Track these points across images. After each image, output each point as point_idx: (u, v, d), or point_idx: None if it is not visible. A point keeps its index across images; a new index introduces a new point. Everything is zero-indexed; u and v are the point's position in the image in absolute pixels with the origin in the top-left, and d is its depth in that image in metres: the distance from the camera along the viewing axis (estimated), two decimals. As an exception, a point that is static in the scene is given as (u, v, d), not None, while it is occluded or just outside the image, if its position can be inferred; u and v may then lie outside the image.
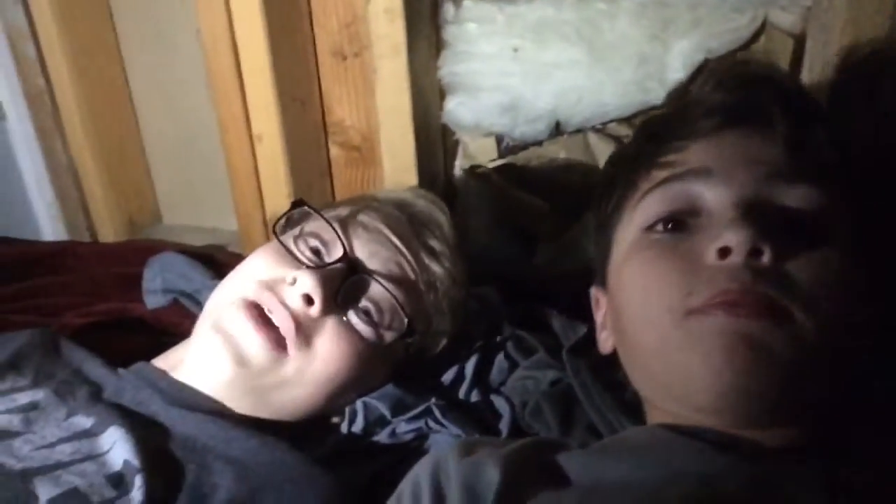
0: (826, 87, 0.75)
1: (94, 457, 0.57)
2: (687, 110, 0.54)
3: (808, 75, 0.82)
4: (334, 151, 1.04)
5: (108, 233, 1.16)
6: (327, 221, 0.68)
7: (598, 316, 0.60)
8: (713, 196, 0.49)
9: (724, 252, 0.45)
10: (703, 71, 0.86)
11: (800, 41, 0.83)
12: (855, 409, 0.50)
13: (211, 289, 0.74)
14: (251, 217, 1.03)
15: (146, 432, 0.59)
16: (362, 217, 0.70)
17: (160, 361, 0.70)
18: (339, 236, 0.67)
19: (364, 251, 0.68)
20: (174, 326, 0.89)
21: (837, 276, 0.46)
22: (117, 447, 0.57)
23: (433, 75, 0.93)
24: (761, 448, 0.46)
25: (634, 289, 0.50)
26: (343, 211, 0.72)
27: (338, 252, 0.67)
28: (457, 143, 0.98)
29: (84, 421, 0.60)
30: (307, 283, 0.62)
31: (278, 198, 1.00)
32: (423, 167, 0.93)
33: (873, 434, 0.48)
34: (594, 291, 0.61)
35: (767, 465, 0.44)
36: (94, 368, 0.68)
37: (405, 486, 0.51)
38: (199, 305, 0.83)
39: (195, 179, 1.17)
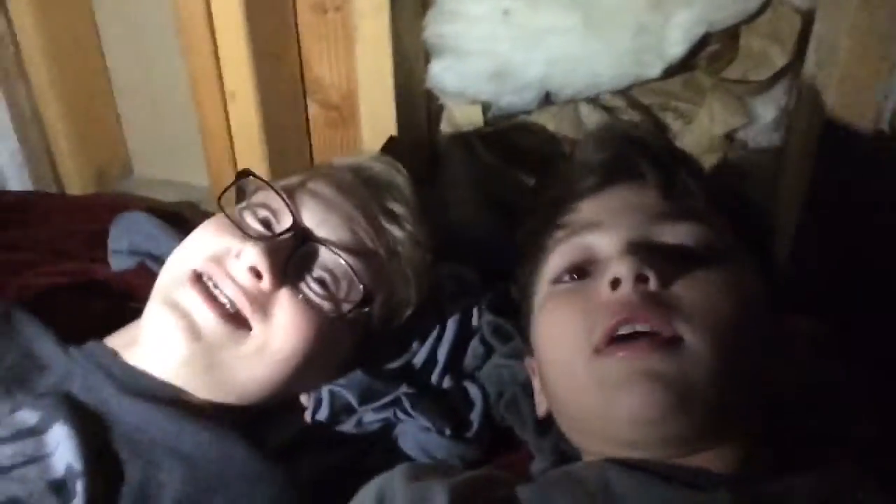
0: (831, 70, 0.71)
1: (38, 459, 0.53)
2: (572, 173, 0.61)
3: (813, 56, 0.77)
4: (313, 110, 0.99)
5: (76, 184, 1.11)
6: (275, 190, 0.64)
7: (535, 383, 0.63)
8: (603, 243, 0.55)
9: (615, 283, 0.50)
10: (704, 46, 0.82)
11: (808, 18, 0.78)
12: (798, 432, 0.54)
13: (177, 250, 0.70)
14: (223, 176, 0.98)
15: (92, 428, 0.56)
16: (312, 184, 0.67)
17: (114, 340, 0.66)
18: (287, 205, 0.63)
19: (314, 219, 0.64)
20: (140, 290, 0.85)
21: (721, 295, 0.50)
22: (61, 448, 0.53)
23: (418, 36, 0.88)
24: (709, 474, 0.48)
25: (546, 338, 0.56)
26: (294, 180, 0.68)
27: (287, 222, 0.63)
28: (441, 108, 0.93)
29: (29, 417, 0.57)
30: (252, 255, 0.59)
31: (252, 157, 0.95)
32: (404, 133, 0.89)
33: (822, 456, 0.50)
34: (528, 361, 0.64)
35: (716, 492, 0.46)
36: (46, 347, 0.64)
37: None
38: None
39: (168, 132, 1.12)
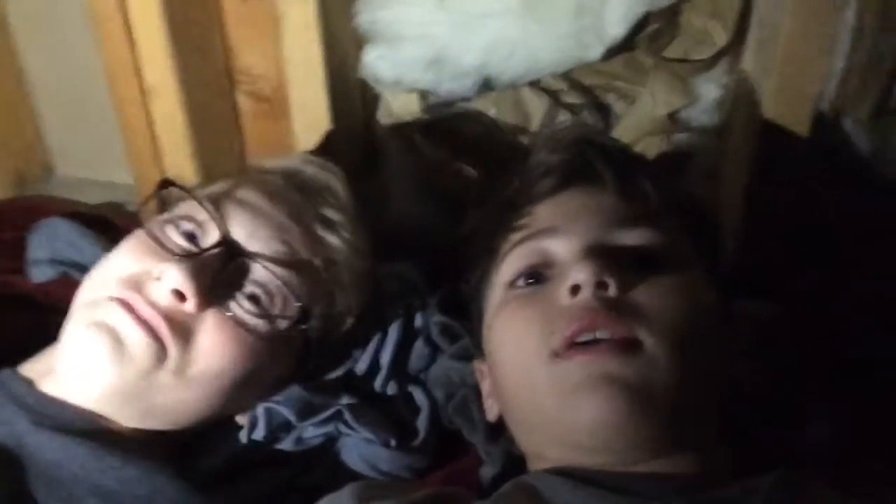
0: (772, 48, 0.69)
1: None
2: (528, 175, 0.60)
3: (755, 34, 0.76)
4: (242, 102, 0.94)
5: (-8, 188, 1.04)
6: (199, 201, 0.59)
7: (484, 387, 0.62)
8: (561, 248, 0.54)
9: (575, 289, 0.50)
10: (645, 25, 0.80)
11: (748, -6, 0.76)
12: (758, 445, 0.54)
13: (101, 259, 0.66)
14: (147, 176, 0.93)
15: (4, 467, 0.52)
16: (241, 193, 0.62)
17: (30, 367, 0.61)
18: (212, 216, 0.59)
19: (243, 231, 0.60)
20: (64, 302, 0.80)
21: (679, 300, 0.50)
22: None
23: (349, 22, 0.83)
24: (664, 482, 0.48)
25: (503, 342, 0.54)
26: (220, 187, 0.63)
27: (214, 235, 0.59)
28: (377, 97, 0.89)
29: None
30: (174, 276, 0.55)
31: (179, 154, 0.90)
32: (337, 125, 0.85)
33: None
34: (477, 365, 0.63)
35: (671, 502, 0.46)
36: None
37: None
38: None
39: (89, 129, 1.05)
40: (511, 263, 0.56)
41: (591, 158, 0.57)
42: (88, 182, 1.08)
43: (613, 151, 0.59)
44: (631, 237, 0.53)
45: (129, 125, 0.90)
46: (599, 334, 0.48)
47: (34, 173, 1.10)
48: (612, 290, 0.49)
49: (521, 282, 0.55)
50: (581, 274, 0.49)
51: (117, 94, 0.88)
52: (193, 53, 0.87)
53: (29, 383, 0.58)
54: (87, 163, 1.09)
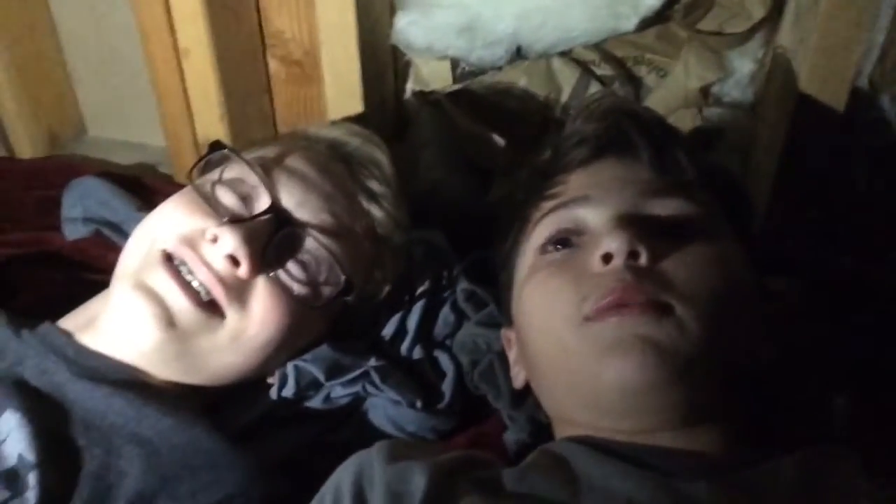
0: (809, 24, 0.68)
1: (-14, 448, 0.51)
2: (562, 144, 0.60)
3: (792, 7, 0.74)
4: (273, 66, 0.94)
5: (26, 148, 1.05)
6: (251, 167, 0.60)
7: (511, 355, 0.62)
8: (593, 216, 0.54)
9: (607, 258, 0.50)
10: (683, 2, 0.79)
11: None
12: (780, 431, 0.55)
13: (136, 220, 0.67)
14: (180, 137, 0.93)
15: (46, 414, 0.53)
16: (290, 161, 0.63)
17: (70, 320, 0.63)
18: (265, 184, 0.60)
19: (293, 200, 0.61)
20: (97, 260, 0.82)
21: (711, 270, 0.50)
22: (12, 437, 0.51)
23: (382, -12, 0.83)
24: (689, 459, 0.48)
25: (534, 306, 0.54)
26: (269, 152, 0.64)
27: (264, 202, 0.60)
28: (408, 64, 0.89)
29: None
30: (230, 242, 0.56)
31: (210, 116, 0.91)
32: (369, 91, 0.85)
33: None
34: (504, 332, 0.63)
35: (695, 482, 0.45)
36: None
37: (326, 491, 0.49)
38: (125, 237, 0.76)
39: (122, 90, 1.06)
40: (543, 229, 0.56)
41: (626, 129, 0.57)
42: (120, 143, 1.09)
43: (649, 122, 0.59)
44: (664, 207, 0.53)
45: (162, 86, 0.90)
46: (630, 301, 0.48)
47: (67, 133, 1.11)
48: (644, 259, 0.49)
49: (551, 247, 0.55)
50: (614, 242, 0.49)
51: (150, 54, 0.89)
52: (227, 15, 0.87)
53: (68, 335, 0.60)
54: (120, 124, 1.10)
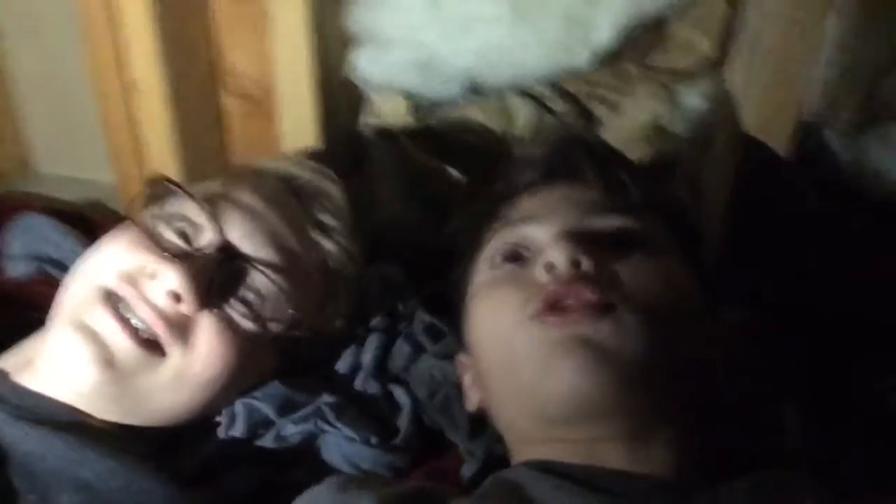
0: (756, 60, 0.71)
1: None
2: (512, 169, 0.63)
3: (740, 43, 0.77)
4: (228, 102, 0.93)
5: (-32, 184, 1.02)
6: (196, 201, 0.59)
7: (466, 379, 0.62)
8: (540, 233, 0.55)
9: (549, 267, 0.51)
10: (632, 35, 0.81)
11: (735, 8, 0.77)
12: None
13: (80, 256, 0.64)
14: (129, 173, 0.92)
15: None
16: (237, 193, 0.62)
17: (6, 360, 0.60)
18: (208, 216, 0.58)
19: (238, 233, 0.59)
20: (39, 298, 0.78)
21: (652, 277, 0.51)
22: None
23: (338, 24, 0.83)
24: (639, 480, 0.48)
25: (482, 315, 0.55)
26: (215, 186, 0.63)
27: (208, 235, 0.58)
28: (364, 99, 0.89)
29: None
30: (172, 278, 0.54)
31: (160, 152, 0.89)
32: (324, 126, 0.85)
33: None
34: (459, 359, 0.63)
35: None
36: None
37: None
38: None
39: (70, 124, 1.04)
40: (492, 246, 0.57)
41: (573, 153, 0.59)
42: (68, 179, 1.07)
43: (595, 147, 0.61)
44: (608, 221, 0.55)
45: (111, 121, 0.89)
46: (571, 301, 0.49)
47: (12, 169, 1.08)
48: (586, 268, 0.50)
49: (499, 260, 0.56)
50: (556, 252, 0.51)
51: (100, 89, 0.87)
52: (178, 49, 0.86)
53: (5, 375, 0.57)
54: (68, 160, 1.07)
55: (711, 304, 0.57)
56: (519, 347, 0.50)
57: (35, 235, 0.81)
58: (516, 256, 0.55)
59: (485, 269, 0.57)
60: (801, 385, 0.63)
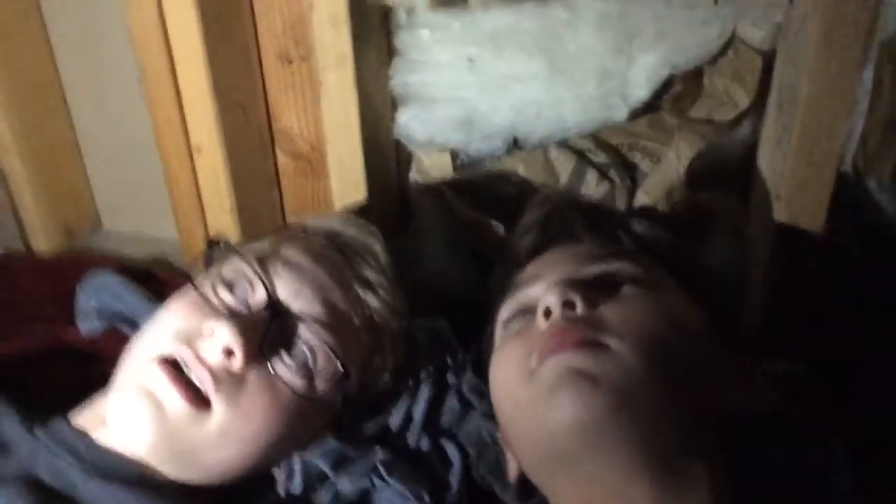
0: (793, 111, 0.71)
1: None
2: (516, 236, 0.70)
3: (775, 95, 0.78)
4: (282, 160, 0.98)
5: (43, 242, 1.09)
6: (246, 261, 0.62)
7: (506, 449, 0.63)
8: (540, 289, 0.58)
9: (547, 313, 0.54)
10: (668, 87, 0.83)
11: (769, 58, 0.78)
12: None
13: (148, 312, 0.69)
14: (191, 230, 0.97)
15: None
16: (286, 252, 0.65)
17: (82, 416, 0.64)
18: (260, 277, 0.62)
19: (288, 290, 0.62)
20: (111, 353, 0.83)
21: (648, 311, 0.54)
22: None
23: (384, 85, 0.87)
24: None
25: (495, 376, 0.58)
26: (267, 245, 0.66)
27: (261, 294, 0.62)
28: (411, 156, 0.93)
29: None
30: (225, 334, 0.57)
31: (220, 211, 0.94)
32: (372, 183, 0.88)
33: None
34: (499, 435, 0.65)
35: None
36: (10, 428, 0.62)
37: None
38: (137, 330, 0.78)
39: (136, 184, 1.10)
40: (504, 312, 0.62)
41: (566, 215, 0.66)
42: (135, 236, 1.13)
43: (586, 208, 0.67)
44: (601, 267, 0.58)
45: (175, 181, 0.94)
46: (566, 341, 0.51)
47: (83, 227, 1.14)
48: (580, 308, 0.53)
49: (508, 322, 0.60)
50: (550, 297, 0.54)
51: (164, 151, 0.93)
52: (236, 112, 0.91)
53: (80, 433, 0.61)
54: (135, 217, 1.13)
55: (756, 358, 0.58)
56: (524, 398, 0.52)
57: (106, 293, 0.86)
58: (525, 315, 0.59)
59: (499, 334, 0.61)
60: (847, 427, 0.62)
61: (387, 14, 0.85)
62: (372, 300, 0.68)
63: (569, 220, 0.65)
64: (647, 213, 0.88)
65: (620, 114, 0.83)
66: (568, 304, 0.53)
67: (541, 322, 0.54)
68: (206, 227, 0.96)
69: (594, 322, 0.52)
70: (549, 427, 0.50)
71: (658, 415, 0.49)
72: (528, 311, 0.59)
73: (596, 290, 0.55)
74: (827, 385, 0.65)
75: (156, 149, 0.95)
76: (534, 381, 0.51)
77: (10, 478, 0.58)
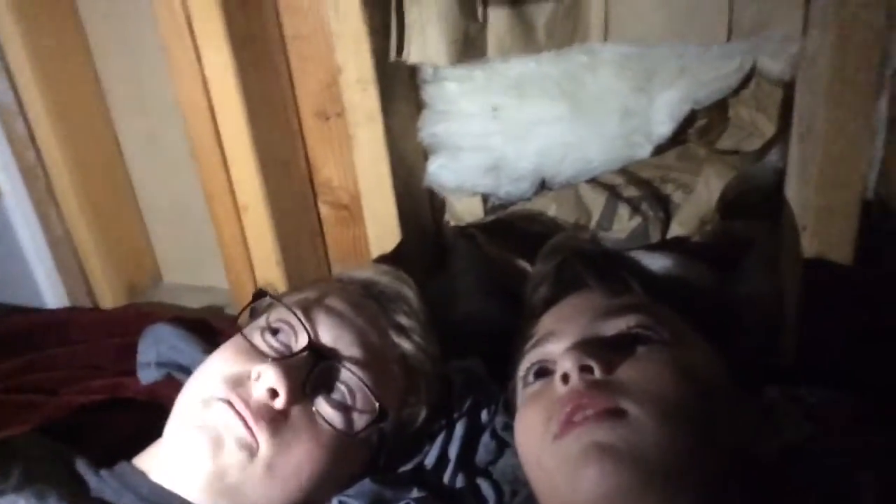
0: (814, 140, 0.71)
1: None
2: (530, 287, 0.73)
3: (797, 125, 0.78)
4: (324, 211, 1.03)
5: (108, 297, 1.16)
6: (290, 309, 0.67)
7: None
8: (557, 348, 0.60)
9: (565, 378, 0.56)
10: (692, 121, 0.84)
11: (789, 88, 0.79)
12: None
13: (202, 361, 0.73)
14: (242, 281, 1.02)
15: None
16: (327, 301, 0.70)
17: (143, 459, 0.69)
18: (302, 323, 0.66)
19: (329, 336, 0.67)
20: (169, 401, 0.89)
21: (665, 371, 0.54)
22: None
23: (414, 137, 0.91)
24: None
25: (519, 438, 0.60)
26: (309, 294, 0.71)
27: (303, 339, 0.66)
28: (444, 201, 0.96)
29: None
30: (271, 376, 0.62)
31: (267, 263, 0.99)
32: (407, 228, 0.92)
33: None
34: None
35: None
36: (82, 467, 0.68)
37: None
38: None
39: (192, 241, 1.17)
40: (523, 366, 0.64)
41: (576, 266, 0.68)
42: (191, 288, 1.20)
43: (595, 256, 0.69)
44: (616, 324, 0.59)
45: (225, 237, 1.00)
46: (587, 412, 0.52)
47: (144, 282, 1.22)
48: (598, 372, 0.54)
49: (530, 378, 0.62)
50: (566, 362, 0.55)
51: (214, 211, 0.99)
52: (280, 169, 0.96)
53: (143, 475, 0.66)
54: (190, 271, 1.21)
55: (743, 379, 0.58)
56: (548, 464, 0.54)
57: (164, 344, 0.91)
58: (542, 372, 0.61)
59: (521, 389, 0.63)
60: (880, 459, 0.61)
61: (414, 70, 0.89)
62: (406, 344, 0.71)
63: (580, 270, 0.67)
64: (681, 244, 0.89)
65: (644, 151, 0.84)
66: (585, 369, 0.55)
67: (559, 387, 0.56)
68: (254, 278, 1.01)
69: (612, 387, 0.53)
70: (576, 498, 0.51)
71: (681, 475, 0.50)
72: (545, 372, 0.61)
73: (612, 349, 0.56)
74: (861, 415, 0.64)
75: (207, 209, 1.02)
76: (557, 450, 0.53)
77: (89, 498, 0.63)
